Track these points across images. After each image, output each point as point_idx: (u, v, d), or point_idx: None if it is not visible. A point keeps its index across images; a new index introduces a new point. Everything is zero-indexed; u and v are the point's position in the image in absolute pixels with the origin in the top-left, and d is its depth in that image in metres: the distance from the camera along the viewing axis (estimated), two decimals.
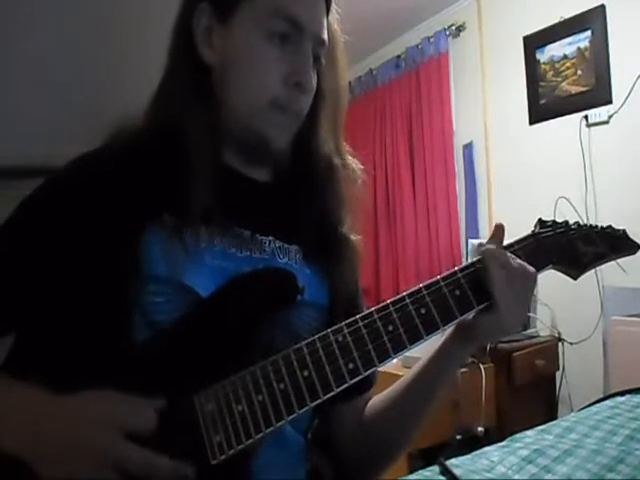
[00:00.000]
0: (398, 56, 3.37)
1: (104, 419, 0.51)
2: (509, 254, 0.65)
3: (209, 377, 0.57)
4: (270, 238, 0.71)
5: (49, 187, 0.67)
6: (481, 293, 0.63)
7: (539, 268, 0.67)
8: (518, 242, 0.69)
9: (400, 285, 3.25)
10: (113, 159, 0.66)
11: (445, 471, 0.72)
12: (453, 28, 3.04)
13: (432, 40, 3.13)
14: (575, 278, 0.71)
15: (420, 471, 0.75)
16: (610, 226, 0.73)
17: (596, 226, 0.72)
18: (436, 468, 0.74)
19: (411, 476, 0.73)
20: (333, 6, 0.74)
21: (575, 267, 0.70)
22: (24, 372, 0.55)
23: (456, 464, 0.76)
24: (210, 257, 0.65)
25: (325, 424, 0.76)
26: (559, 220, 0.72)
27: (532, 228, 0.71)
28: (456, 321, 0.63)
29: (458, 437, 1.83)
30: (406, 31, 3.31)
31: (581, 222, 0.72)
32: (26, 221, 0.65)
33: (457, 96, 3.06)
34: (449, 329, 0.68)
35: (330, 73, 0.75)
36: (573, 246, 0.70)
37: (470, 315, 0.64)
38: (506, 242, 0.69)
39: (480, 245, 0.66)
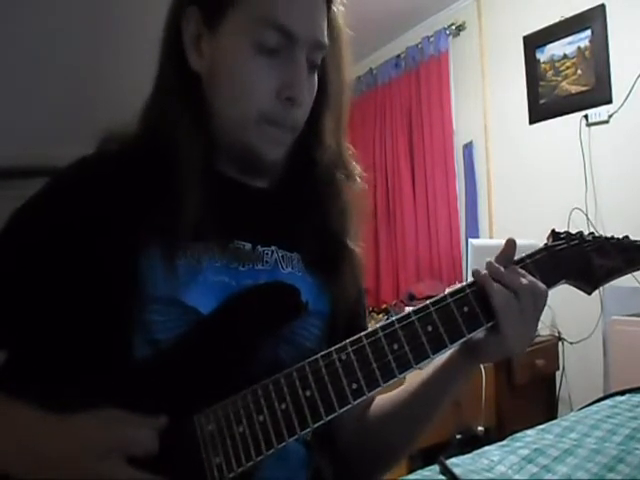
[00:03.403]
0: (398, 55, 3.37)
1: (105, 443, 0.51)
2: (519, 270, 0.63)
3: (212, 395, 0.56)
4: (272, 248, 0.68)
5: (44, 198, 0.65)
6: (490, 311, 0.61)
7: (551, 284, 0.64)
8: (530, 256, 0.66)
9: (400, 285, 3.25)
10: (110, 170, 0.64)
11: (445, 470, 0.72)
12: (453, 28, 3.04)
13: (432, 39, 3.13)
14: (589, 293, 0.68)
15: (420, 471, 0.75)
16: (627, 237, 0.69)
17: (612, 237, 0.69)
18: (436, 467, 0.74)
19: (411, 476, 0.73)
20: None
21: (589, 282, 0.67)
22: (20, 389, 0.54)
23: (456, 463, 0.76)
24: (211, 273, 0.63)
25: (326, 423, 0.76)
26: (573, 231, 0.69)
27: (544, 241, 0.68)
28: (464, 339, 0.61)
29: (458, 437, 1.83)
30: (406, 30, 3.30)
31: (596, 233, 0.69)
32: (21, 235, 0.64)
33: (457, 96, 3.06)
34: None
35: (334, 73, 0.71)
36: (588, 260, 0.67)
37: (478, 333, 0.62)
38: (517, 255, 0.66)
39: (487, 263, 0.63)
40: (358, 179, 0.76)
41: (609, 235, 0.70)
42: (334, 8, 0.69)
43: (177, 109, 0.65)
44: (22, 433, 0.52)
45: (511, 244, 0.66)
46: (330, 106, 0.72)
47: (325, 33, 0.67)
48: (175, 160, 0.63)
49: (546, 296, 0.63)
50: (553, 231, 0.69)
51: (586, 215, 2.36)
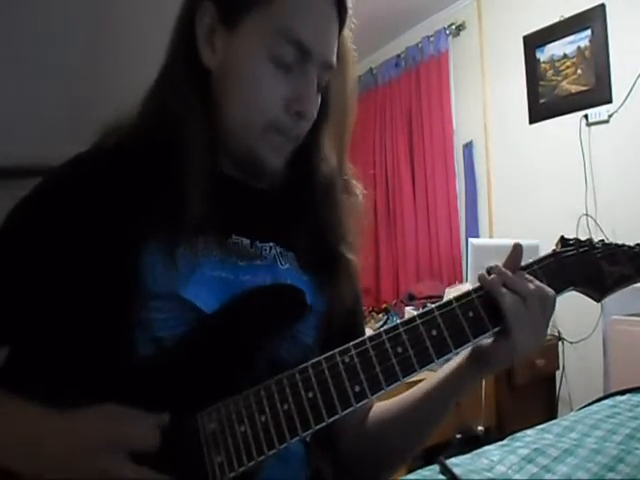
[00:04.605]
0: (398, 55, 3.37)
1: (107, 438, 0.51)
2: (527, 276, 0.62)
3: (214, 394, 0.56)
4: (271, 244, 0.69)
5: (40, 196, 0.65)
6: (496, 316, 0.60)
7: (559, 290, 0.64)
8: (538, 262, 0.65)
9: (400, 285, 3.25)
10: (107, 165, 0.64)
11: (445, 470, 0.72)
12: (453, 27, 3.04)
13: (432, 39, 3.13)
14: (598, 300, 0.67)
15: (420, 470, 0.75)
16: (638, 245, 0.68)
17: (623, 245, 0.68)
18: (436, 467, 0.74)
19: (411, 475, 0.72)
20: (348, 18, 0.70)
21: (598, 289, 0.66)
22: (22, 387, 0.54)
23: (456, 463, 0.75)
24: (209, 268, 0.63)
25: (326, 425, 0.76)
26: (582, 238, 0.68)
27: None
28: (469, 344, 0.60)
29: (458, 436, 1.83)
30: (406, 30, 3.31)
31: (606, 240, 0.69)
32: (19, 233, 0.64)
33: (457, 96, 3.06)
34: (464, 350, 0.65)
35: (337, 91, 0.73)
36: (597, 267, 0.66)
37: (484, 339, 0.61)
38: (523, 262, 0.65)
39: (493, 268, 0.63)
40: (360, 196, 0.76)
41: (619, 242, 0.68)
42: (344, 32, 0.71)
43: (186, 102, 0.65)
44: (25, 429, 0.52)
45: (518, 249, 0.65)
46: (331, 121, 0.73)
47: (335, 55, 0.68)
48: (181, 154, 0.63)
49: (554, 301, 0.62)
50: (562, 237, 0.68)
51: (586, 216, 2.36)
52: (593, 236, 0.71)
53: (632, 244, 0.68)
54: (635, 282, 0.67)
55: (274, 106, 0.65)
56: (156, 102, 0.68)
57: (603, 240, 0.69)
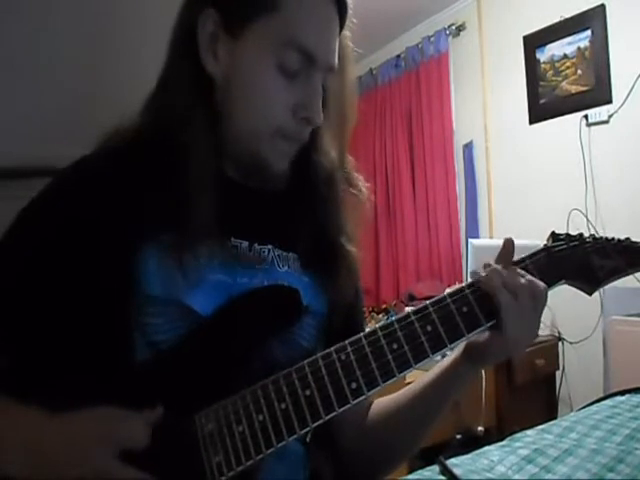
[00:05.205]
0: (398, 56, 3.38)
1: (97, 438, 0.51)
2: (518, 271, 0.63)
3: (211, 396, 0.56)
4: (269, 247, 0.69)
5: (46, 201, 0.65)
6: (490, 311, 0.61)
7: (551, 284, 0.65)
8: (530, 257, 0.66)
9: (400, 285, 3.25)
10: (112, 168, 0.64)
11: (445, 470, 0.72)
12: (453, 28, 3.04)
13: (432, 40, 3.13)
14: (590, 294, 0.68)
15: (420, 471, 0.75)
16: (628, 239, 0.69)
17: (612, 238, 0.69)
18: (436, 468, 0.74)
19: (411, 476, 0.72)
20: (348, 18, 0.71)
21: (589, 282, 0.67)
22: (20, 391, 0.55)
23: (456, 463, 0.75)
24: (209, 272, 0.63)
25: (325, 424, 0.76)
26: (573, 233, 0.69)
27: (544, 241, 0.68)
28: (464, 339, 0.61)
29: (458, 437, 1.83)
30: (406, 31, 3.31)
31: (596, 234, 0.70)
32: (24, 238, 0.64)
33: (457, 96, 3.06)
34: (458, 346, 0.66)
35: (337, 85, 0.73)
36: (587, 260, 0.67)
37: (479, 334, 0.62)
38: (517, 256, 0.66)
39: (486, 265, 0.64)
40: (362, 189, 0.77)
41: (610, 236, 0.69)
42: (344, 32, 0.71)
43: (189, 108, 0.64)
44: (25, 433, 0.52)
45: (509, 244, 0.66)
46: (331, 117, 0.73)
47: (337, 55, 0.68)
48: (185, 159, 0.63)
49: (546, 295, 0.63)
50: (553, 233, 0.69)
51: (585, 215, 2.36)
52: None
53: (622, 237, 0.69)
54: (625, 275, 0.68)
55: (282, 113, 0.65)
56: (158, 106, 0.67)
57: (593, 234, 0.70)
